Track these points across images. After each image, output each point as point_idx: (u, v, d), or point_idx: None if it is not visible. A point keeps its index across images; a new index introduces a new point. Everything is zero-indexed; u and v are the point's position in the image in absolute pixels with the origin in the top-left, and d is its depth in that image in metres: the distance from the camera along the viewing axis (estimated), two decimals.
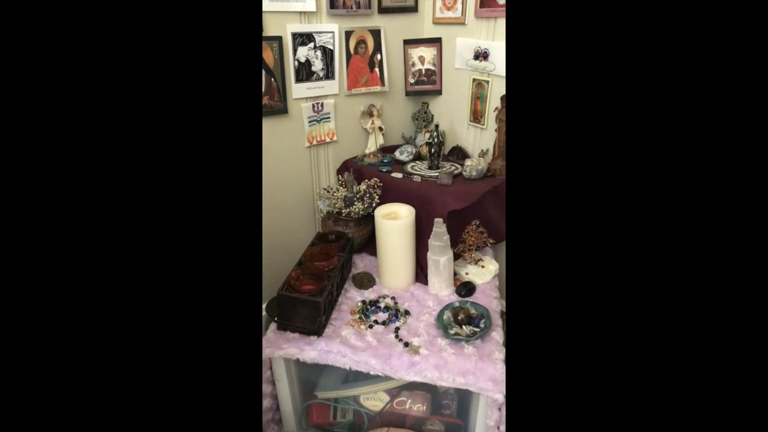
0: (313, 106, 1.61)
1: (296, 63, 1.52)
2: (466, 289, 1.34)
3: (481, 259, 1.46)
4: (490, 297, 1.33)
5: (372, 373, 1.11)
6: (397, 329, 1.20)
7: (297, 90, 1.55)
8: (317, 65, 1.58)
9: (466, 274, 1.41)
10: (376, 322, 1.23)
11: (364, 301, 1.31)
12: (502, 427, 1.09)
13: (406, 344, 1.15)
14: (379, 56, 1.71)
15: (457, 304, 1.26)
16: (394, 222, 1.33)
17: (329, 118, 1.66)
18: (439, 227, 1.29)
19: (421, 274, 1.41)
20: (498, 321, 1.23)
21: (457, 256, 1.41)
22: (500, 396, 1.04)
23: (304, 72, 1.56)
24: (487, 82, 1.57)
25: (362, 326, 1.21)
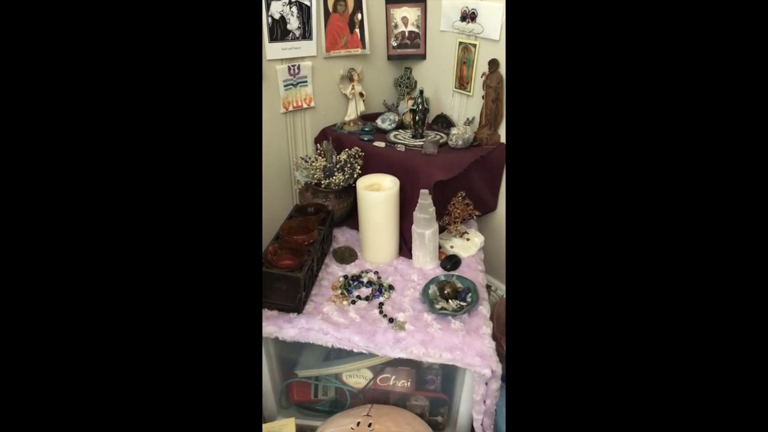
0: (289, 68, 1.49)
1: (270, 20, 1.40)
2: (451, 262, 1.30)
3: (466, 232, 1.42)
4: (475, 270, 1.30)
5: (356, 350, 1.06)
6: (381, 305, 1.15)
7: (271, 50, 1.43)
8: (293, 23, 1.45)
9: (451, 247, 1.37)
10: (359, 297, 1.18)
11: (346, 276, 1.26)
12: (489, 401, 1.07)
13: (391, 320, 1.10)
14: (359, 16, 1.59)
15: (442, 278, 1.22)
16: (378, 194, 1.26)
17: (306, 82, 1.55)
18: (425, 199, 1.23)
19: (404, 247, 1.36)
20: (484, 294, 1.20)
21: (441, 229, 1.36)
22: (488, 371, 1.01)
23: (279, 30, 1.43)
24: (474, 45, 1.49)
25: (344, 302, 1.16)
